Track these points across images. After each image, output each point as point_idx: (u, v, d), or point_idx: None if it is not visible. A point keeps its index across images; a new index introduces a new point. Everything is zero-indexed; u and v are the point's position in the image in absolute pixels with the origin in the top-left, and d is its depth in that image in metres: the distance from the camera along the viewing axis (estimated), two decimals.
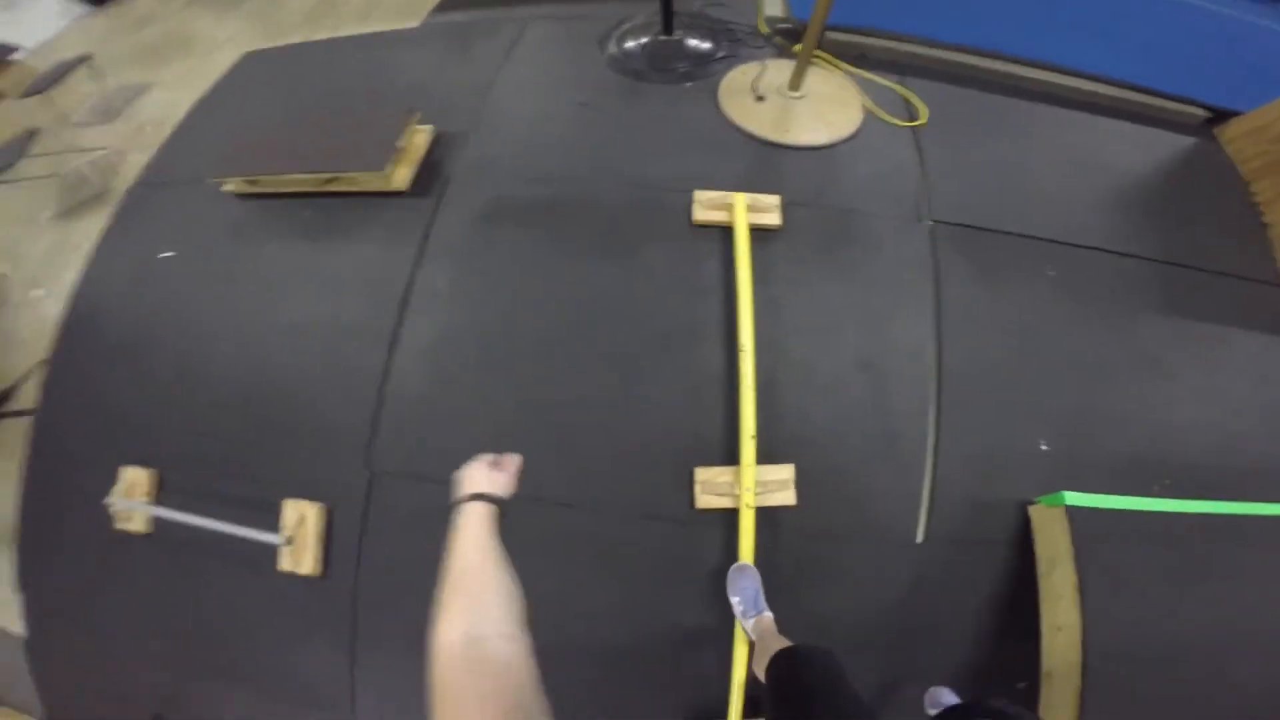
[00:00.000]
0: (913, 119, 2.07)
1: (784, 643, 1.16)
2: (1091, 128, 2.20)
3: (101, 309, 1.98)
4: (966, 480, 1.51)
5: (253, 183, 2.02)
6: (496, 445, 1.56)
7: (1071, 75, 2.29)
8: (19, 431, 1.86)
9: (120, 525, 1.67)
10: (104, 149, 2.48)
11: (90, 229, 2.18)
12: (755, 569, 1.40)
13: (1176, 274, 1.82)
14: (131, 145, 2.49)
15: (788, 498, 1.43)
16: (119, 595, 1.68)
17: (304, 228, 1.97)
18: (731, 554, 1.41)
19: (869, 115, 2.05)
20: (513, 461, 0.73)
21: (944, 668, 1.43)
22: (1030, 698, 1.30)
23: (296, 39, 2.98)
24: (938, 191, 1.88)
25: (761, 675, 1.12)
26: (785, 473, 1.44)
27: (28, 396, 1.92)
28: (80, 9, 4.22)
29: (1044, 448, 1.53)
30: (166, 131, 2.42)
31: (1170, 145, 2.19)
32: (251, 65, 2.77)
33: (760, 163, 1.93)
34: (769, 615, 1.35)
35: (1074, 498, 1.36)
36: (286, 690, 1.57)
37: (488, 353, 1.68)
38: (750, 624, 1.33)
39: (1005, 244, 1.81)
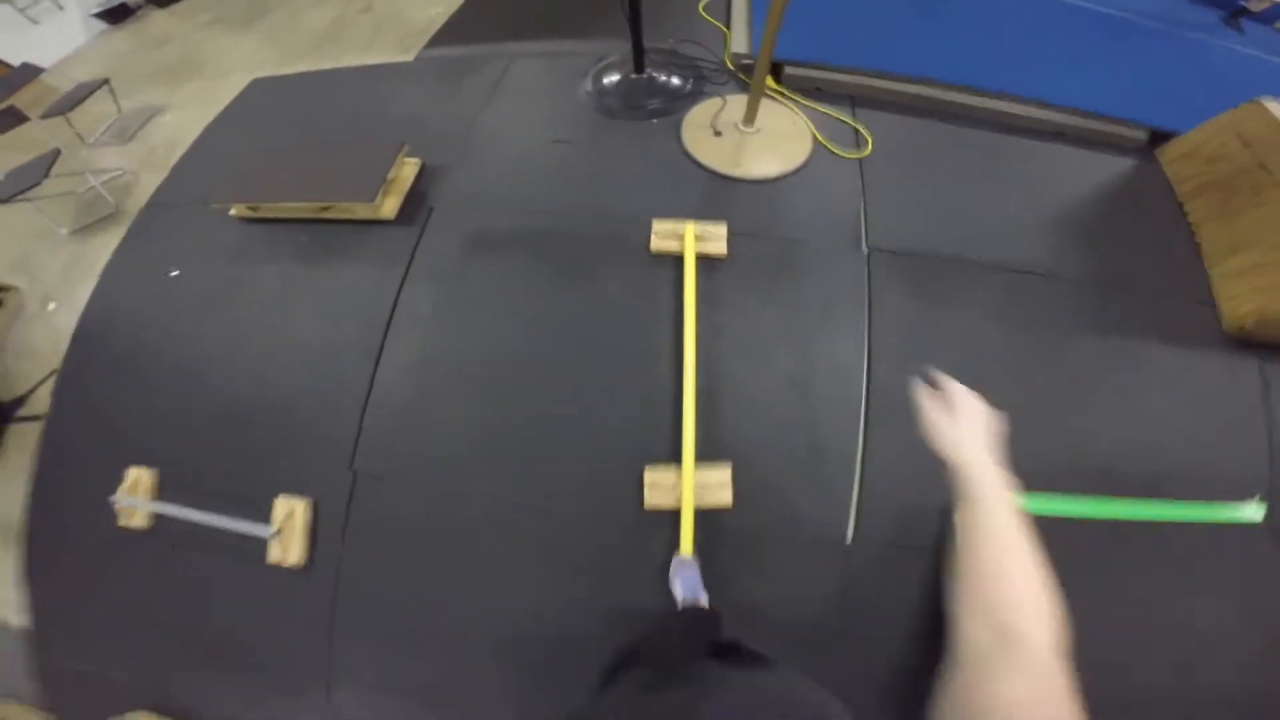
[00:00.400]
0: (859, 150, 2.25)
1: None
2: (1035, 152, 2.34)
3: (111, 323, 2.17)
4: (892, 488, 1.65)
5: (254, 208, 2.22)
6: (468, 452, 1.76)
7: (1018, 102, 2.41)
8: (31, 435, 2.05)
9: (123, 522, 1.85)
10: (119, 170, 2.68)
11: (104, 246, 2.38)
12: (694, 561, 1.55)
13: (1105, 294, 1.96)
14: (144, 166, 2.71)
15: (725, 498, 1.59)
16: (117, 589, 1.84)
17: (300, 251, 2.17)
18: (675, 548, 1.58)
19: (818, 147, 2.23)
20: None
21: (873, 664, 1.54)
22: None
23: (303, 65, 3.19)
24: (877, 220, 2.05)
25: None
26: (723, 475, 1.61)
27: (40, 403, 2.11)
28: (100, 26, 4.43)
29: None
30: (177, 154, 2.63)
31: (1112, 168, 2.31)
32: (258, 92, 2.98)
33: (714, 195, 2.11)
34: (704, 598, 1.49)
35: (1040, 502, 1.47)
36: (269, 676, 1.74)
37: (463, 369, 1.87)
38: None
39: (938, 269, 1.96)
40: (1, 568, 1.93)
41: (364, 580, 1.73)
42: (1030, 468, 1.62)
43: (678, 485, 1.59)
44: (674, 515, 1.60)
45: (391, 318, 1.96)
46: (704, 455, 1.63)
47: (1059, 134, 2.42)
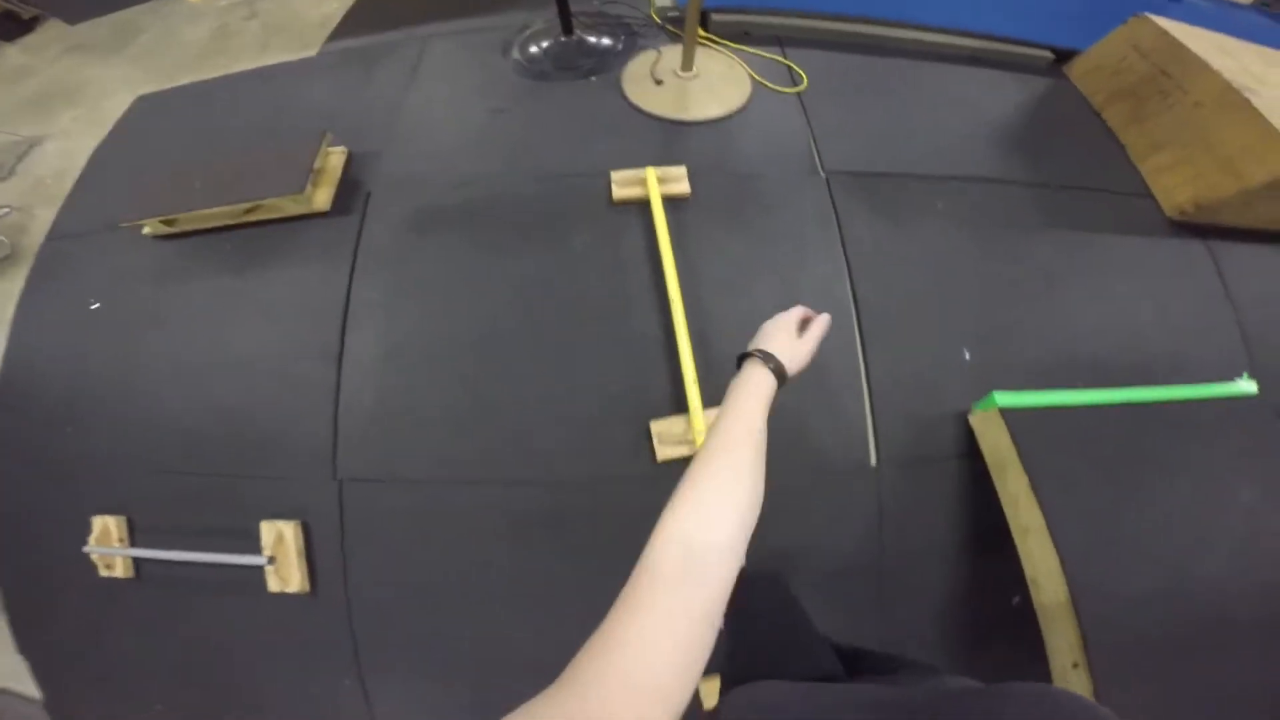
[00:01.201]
0: (796, 86, 2.26)
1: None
2: (957, 76, 2.44)
3: (35, 371, 1.92)
4: (903, 401, 1.64)
5: (169, 223, 2.00)
6: (457, 437, 1.64)
7: (933, 31, 2.53)
8: None
9: (104, 573, 1.66)
10: (5, 208, 2.37)
11: (7, 291, 2.10)
12: None
13: (1054, 195, 2.05)
14: (35, 201, 2.40)
15: None
16: (120, 643, 1.67)
17: (229, 261, 1.97)
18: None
19: (757, 87, 2.23)
20: (821, 325, 0.68)
21: (928, 588, 1.54)
22: (1026, 611, 1.32)
23: (191, 79, 2.92)
24: (827, 147, 2.07)
25: None
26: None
27: None
28: None
29: (968, 357, 1.70)
30: (69, 183, 2.34)
31: (1029, 86, 2.46)
32: (146, 109, 2.70)
33: (666, 141, 2.07)
34: None
35: (1004, 397, 1.47)
36: (303, 713, 1.60)
37: (433, 351, 1.75)
38: None
39: (895, 185, 2.00)
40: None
41: (376, 594, 1.59)
42: (1021, 364, 1.69)
43: (688, 432, 1.54)
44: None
45: (346, 313, 1.80)
46: (705, 395, 1.57)
47: (974, 59, 2.55)
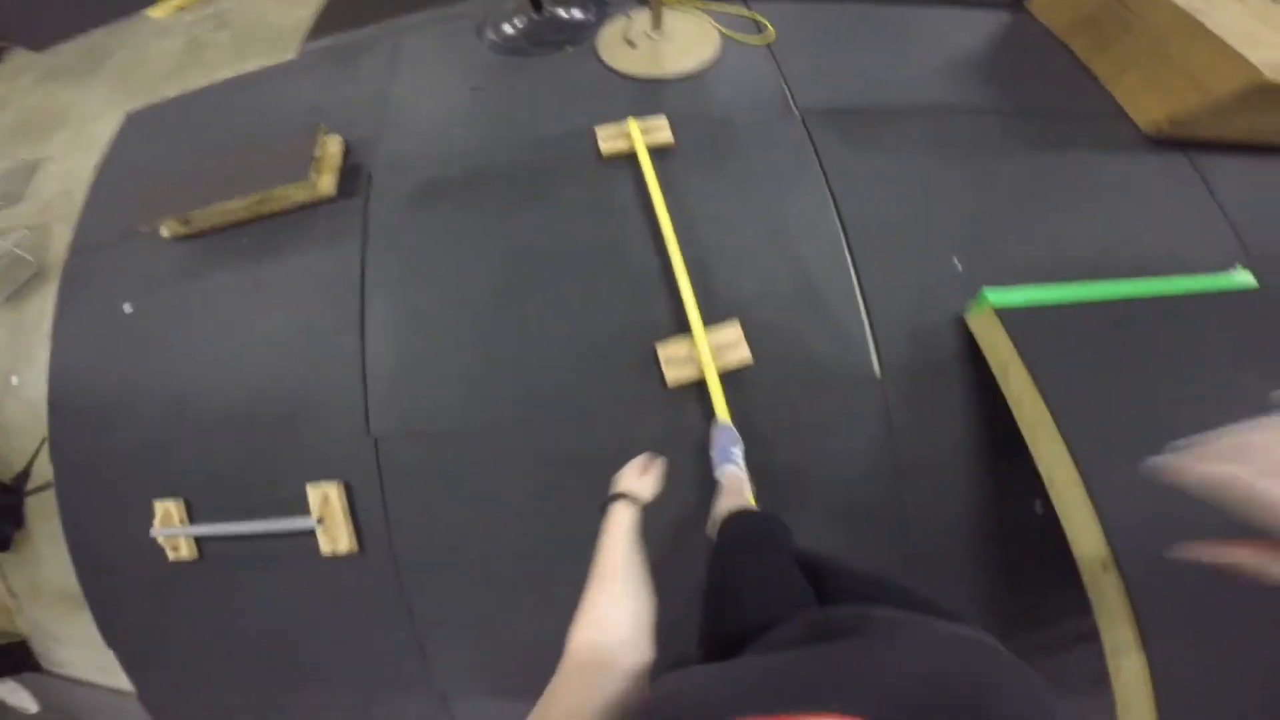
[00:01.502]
0: (762, 35, 2.38)
1: (743, 505, 1.21)
2: (921, 16, 2.54)
3: (82, 375, 2.02)
4: (900, 311, 1.73)
5: (185, 222, 2.10)
6: (481, 385, 1.74)
7: None
8: (49, 504, 1.93)
9: (172, 556, 1.77)
10: (24, 228, 2.46)
11: (42, 305, 2.20)
12: (729, 424, 1.54)
13: (1031, 121, 2.16)
14: (50, 218, 2.48)
15: (744, 354, 1.65)
16: (195, 625, 1.77)
17: (247, 252, 2.07)
18: (710, 419, 1.59)
19: (726, 40, 2.35)
20: (659, 465, 0.79)
21: (947, 500, 1.56)
22: (1051, 519, 1.31)
23: (171, 92, 3.00)
24: (799, 90, 2.19)
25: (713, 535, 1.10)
26: (734, 332, 1.68)
27: (42, 473, 1.99)
28: None
29: (959, 266, 1.79)
30: (78, 199, 2.43)
31: (994, 20, 2.55)
32: (139, 123, 2.79)
33: (645, 98, 2.19)
34: (733, 469, 1.43)
35: (995, 294, 1.50)
36: (366, 674, 1.70)
37: (447, 310, 1.86)
38: (720, 473, 1.44)
39: (869, 119, 2.12)
40: (78, 632, 1.84)
41: (420, 546, 1.70)
42: (1013, 270, 1.73)
43: (693, 352, 1.65)
44: (700, 387, 1.65)
45: (363, 284, 1.92)
46: (707, 319, 1.69)
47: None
